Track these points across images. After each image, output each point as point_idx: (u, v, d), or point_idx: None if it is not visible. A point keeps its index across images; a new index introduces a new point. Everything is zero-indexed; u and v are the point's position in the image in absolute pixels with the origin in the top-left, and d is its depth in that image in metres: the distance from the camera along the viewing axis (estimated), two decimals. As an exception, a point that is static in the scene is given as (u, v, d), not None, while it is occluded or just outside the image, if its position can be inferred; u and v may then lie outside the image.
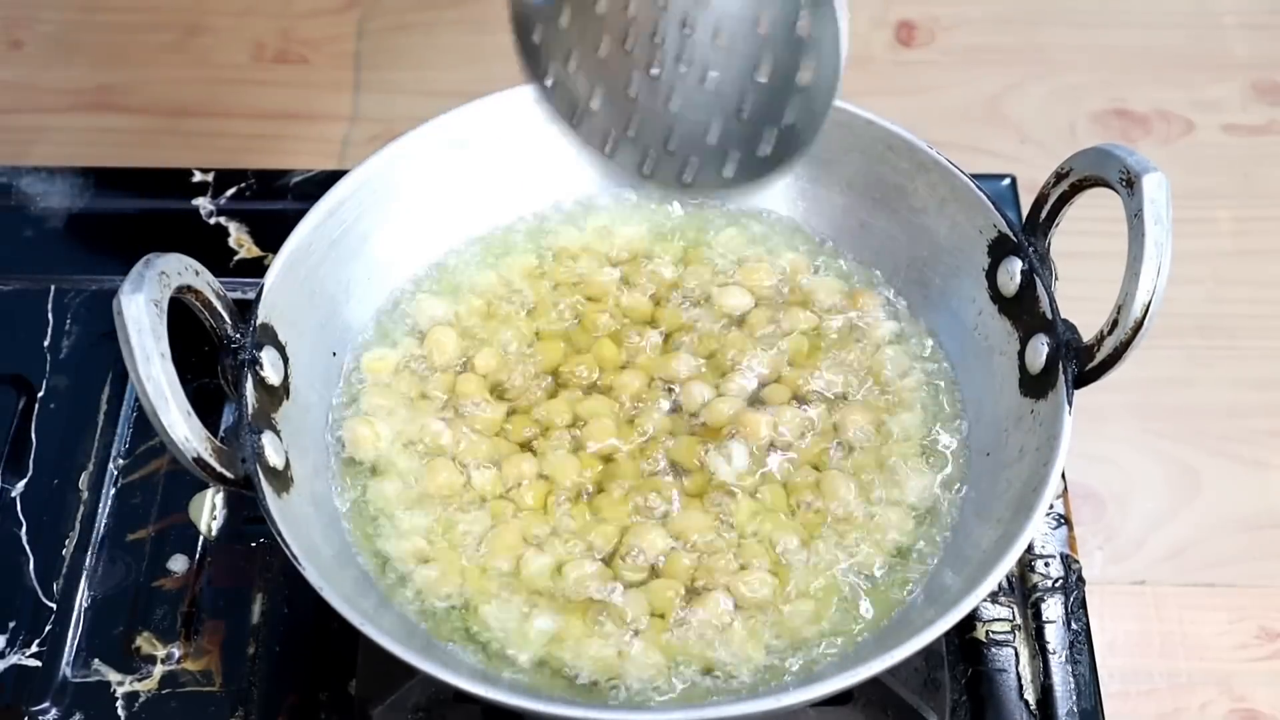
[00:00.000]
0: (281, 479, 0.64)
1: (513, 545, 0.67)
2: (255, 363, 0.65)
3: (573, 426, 0.71)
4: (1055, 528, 0.78)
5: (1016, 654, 0.74)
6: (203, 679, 0.73)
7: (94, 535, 0.78)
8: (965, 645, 0.74)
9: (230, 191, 0.91)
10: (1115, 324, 0.63)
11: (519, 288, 0.76)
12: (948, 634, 0.59)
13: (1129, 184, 0.62)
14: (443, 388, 0.72)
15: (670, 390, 0.72)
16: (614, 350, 0.73)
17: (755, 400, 0.71)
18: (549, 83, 0.58)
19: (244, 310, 0.66)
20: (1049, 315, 0.66)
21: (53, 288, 0.87)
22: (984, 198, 0.70)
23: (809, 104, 0.54)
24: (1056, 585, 0.76)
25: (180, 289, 0.61)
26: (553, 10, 0.57)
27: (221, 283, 0.64)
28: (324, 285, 0.72)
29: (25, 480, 0.79)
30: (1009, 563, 0.59)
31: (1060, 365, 0.65)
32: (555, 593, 0.66)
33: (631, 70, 0.56)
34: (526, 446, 0.70)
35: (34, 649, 0.74)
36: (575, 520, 0.68)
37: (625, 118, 0.58)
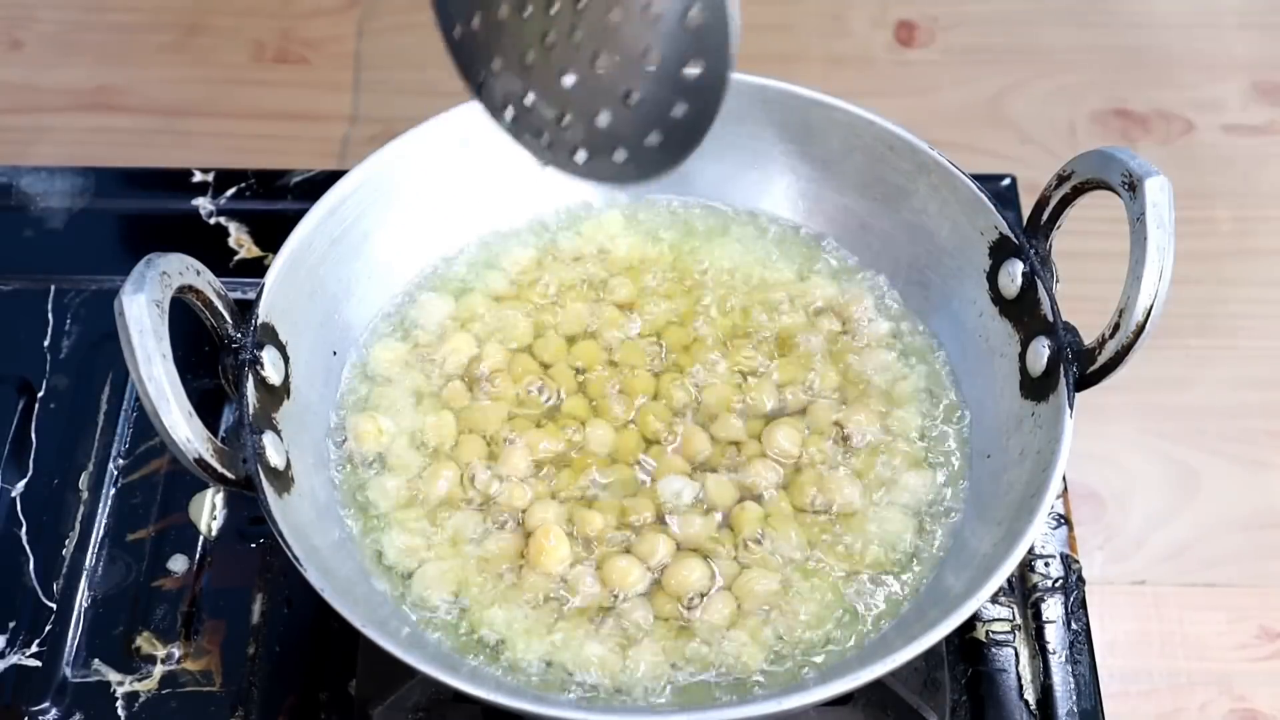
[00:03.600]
0: (282, 479, 0.64)
1: (513, 546, 0.67)
2: (256, 362, 0.65)
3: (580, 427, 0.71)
4: (1055, 528, 0.78)
5: (1016, 654, 0.74)
6: (203, 679, 0.73)
7: (94, 535, 0.77)
8: (965, 645, 0.74)
9: (230, 191, 0.91)
10: (1117, 328, 0.63)
11: (520, 287, 0.76)
12: (948, 634, 0.59)
13: (1131, 187, 0.62)
14: (450, 387, 0.72)
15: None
16: (633, 354, 0.73)
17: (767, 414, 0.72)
18: (457, 35, 0.57)
19: (244, 310, 0.66)
20: (1050, 318, 0.66)
21: (53, 288, 0.87)
22: (985, 199, 0.70)
23: (697, 100, 0.53)
24: (1056, 585, 0.76)
25: (181, 289, 0.60)
26: None
27: (222, 283, 0.64)
28: (324, 284, 0.72)
29: (25, 480, 0.79)
30: (1010, 565, 0.59)
31: (1061, 368, 0.65)
32: (556, 594, 0.66)
33: (527, 35, 0.55)
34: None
35: (34, 649, 0.74)
36: (578, 522, 0.68)
37: (523, 81, 0.57)
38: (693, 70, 0.52)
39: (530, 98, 0.57)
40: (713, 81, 0.52)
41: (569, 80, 0.55)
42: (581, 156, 0.57)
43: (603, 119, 0.55)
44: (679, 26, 0.51)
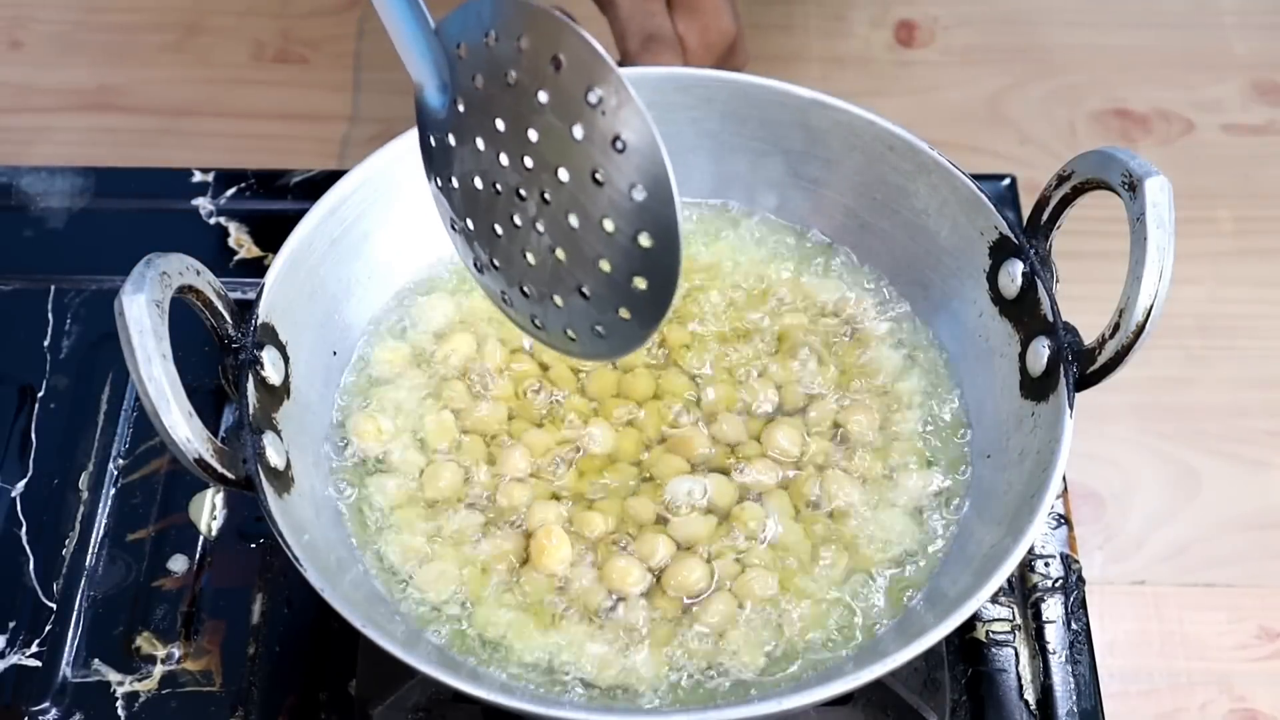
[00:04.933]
0: (282, 479, 0.64)
1: (514, 546, 0.67)
2: (256, 362, 0.65)
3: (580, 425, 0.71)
4: (1055, 528, 0.78)
5: (1016, 654, 0.74)
6: (203, 679, 0.73)
7: (94, 535, 0.78)
8: (965, 645, 0.74)
9: (230, 191, 0.91)
10: (1117, 328, 0.63)
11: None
12: (947, 634, 0.59)
13: (1131, 187, 0.62)
14: (450, 387, 0.72)
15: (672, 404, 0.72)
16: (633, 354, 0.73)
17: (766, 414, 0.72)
18: (437, 185, 0.61)
19: (244, 310, 0.66)
20: (1050, 318, 0.66)
21: (53, 288, 0.87)
22: (985, 199, 0.70)
23: (642, 308, 0.56)
24: (1056, 585, 0.76)
25: (181, 289, 0.60)
26: (445, 124, 0.59)
27: (222, 283, 0.64)
28: (325, 284, 0.72)
29: (25, 480, 0.79)
30: (1010, 566, 0.59)
31: (1061, 369, 0.65)
32: (556, 594, 0.66)
33: (497, 212, 0.58)
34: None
35: (34, 649, 0.74)
36: (577, 523, 0.68)
37: (490, 248, 0.60)
38: (640, 283, 0.55)
39: (498, 261, 0.60)
40: (658, 296, 0.55)
41: (530, 258, 0.58)
42: (540, 322, 0.60)
43: (559, 299, 0.58)
44: (630, 244, 0.54)
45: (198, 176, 0.92)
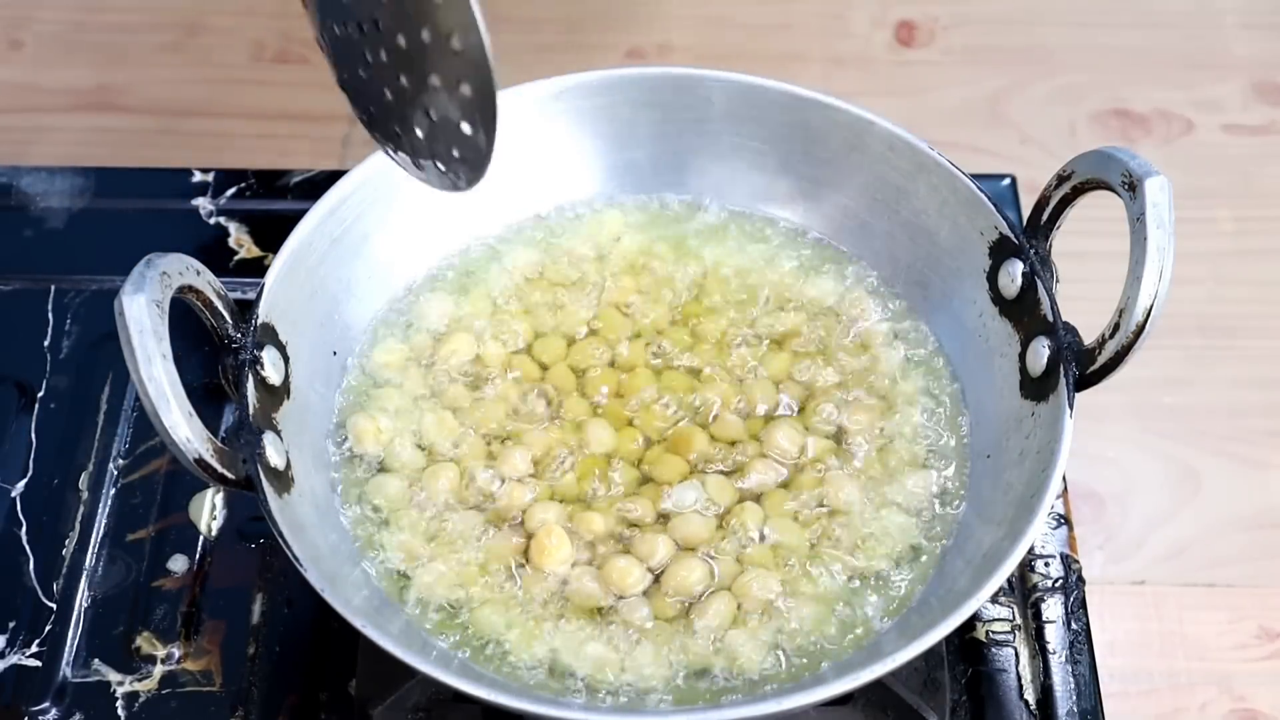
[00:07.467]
0: (282, 479, 0.64)
1: (513, 546, 0.67)
2: (256, 362, 0.65)
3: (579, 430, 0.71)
4: (1055, 528, 0.78)
5: (1016, 654, 0.74)
6: (203, 679, 0.73)
7: (94, 535, 0.77)
8: (965, 645, 0.74)
9: (230, 191, 0.91)
10: (1117, 328, 0.63)
11: (520, 287, 0.76)
12: (947, 634, 0.59)
13: (1131, 187, 0.62)
14: (450, 387, 0.72)
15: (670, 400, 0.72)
16: (633, 354, 0.74)
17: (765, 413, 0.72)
18: (329, 38, 0.62)
19: (244, 310, 0.66)
20: (1050, 318, 0.66)
21: (53, 288, 0.87)
22: (985, 199, 0.70)
23: (475, 114, 0.56)
24: (1056, 585, 0.76)
25: (181, 289, 0.61)
26: None
27: (222, 283, 0.64)
28: (325, 284, 0.72)
29: (25, 480, 0.79)
30: (1010, 566, 0.59)
31: (1061, 368, 0.65)
32: (556, 594, 0.66)
33: (356, 57, 0.60)
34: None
35: (34, 649, 0.74)
36: (577, 522, 0.68)
37: (367, 99, 0.61)
38: (466, 89, 0.56)
39: (372, 110, 0.61)
40: (484, 97, 0.55)
41: (389, 94, 0.59)
42: (420, 165, 0.61)
43: (418, 131, 0.59)
44: (445, 46, 0.55)
45: (198, 176, 0.92)
